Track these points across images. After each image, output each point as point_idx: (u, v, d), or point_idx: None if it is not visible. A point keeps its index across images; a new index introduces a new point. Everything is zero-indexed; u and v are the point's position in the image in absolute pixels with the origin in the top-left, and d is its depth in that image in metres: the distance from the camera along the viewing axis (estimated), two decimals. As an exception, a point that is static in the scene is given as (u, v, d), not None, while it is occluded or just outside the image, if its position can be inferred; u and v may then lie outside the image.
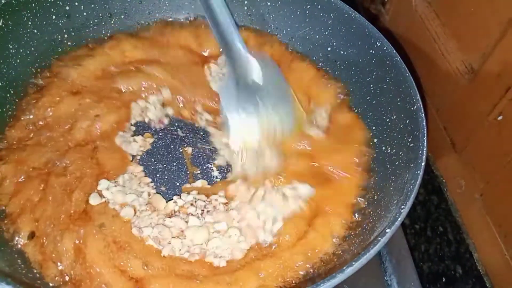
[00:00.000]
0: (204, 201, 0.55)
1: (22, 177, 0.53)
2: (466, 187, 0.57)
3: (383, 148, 0.58)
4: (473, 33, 0.54)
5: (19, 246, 0.49)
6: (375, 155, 0.58)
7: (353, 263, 0.42)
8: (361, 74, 0.63)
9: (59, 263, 0.48)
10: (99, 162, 0.57)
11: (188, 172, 0.59)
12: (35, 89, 0.61)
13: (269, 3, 0.69)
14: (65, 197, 0.52)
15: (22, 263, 0.48)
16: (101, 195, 0.54)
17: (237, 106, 0.59)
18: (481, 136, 0.54)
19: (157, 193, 0.56)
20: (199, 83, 0.65)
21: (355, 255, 0.44)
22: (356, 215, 0.54)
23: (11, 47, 0.59)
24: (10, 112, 0.58)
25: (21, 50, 0.60)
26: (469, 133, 0.55)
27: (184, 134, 0.63)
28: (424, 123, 0.53)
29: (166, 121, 0.64)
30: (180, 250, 0.51)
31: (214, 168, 0.60)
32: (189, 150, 0.61)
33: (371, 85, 0.61)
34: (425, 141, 0.51)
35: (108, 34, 0.68)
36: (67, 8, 0.64)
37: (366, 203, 0.55)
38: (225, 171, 0.60)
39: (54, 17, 0.63)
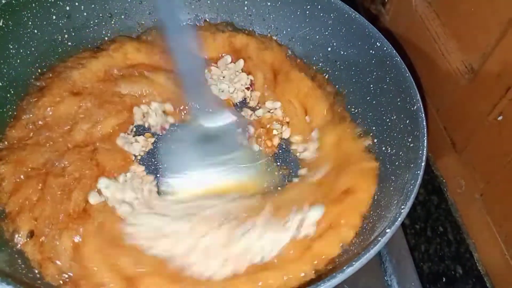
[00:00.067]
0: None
1: (22, 177, 0.53)
2: (466, 187, 0.57)
3: (383, 148, 0.58)
4: (473, 33, 0.54)
5: (19, 246, 0.49)
6: (375, 155, 0.58)
7: (353, 263, 0.42)
8: (361, 74, 0.63)
9: (58, 262, 0.48)
10: (99, 163, 0.57)
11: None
12: (36, 89, 0.61)
13: (269, 3, 0.69)
14: (64, 197, 0.53)
15: (22, 263, 0.48)
16: (100, 194, 0.54)
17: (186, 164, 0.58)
18: (481, 136, 0.54)
19: (157, 192, 0.56)
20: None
21: (355, 255, 0.44)
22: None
23: (11, 47, 0.59)
24: (10, 112, 0.58)
25: (21, 50, 0.60)
26: (469, 133, 0.55)
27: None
28: (424, 123, 0.53)
29: (167, 126, 0.64)
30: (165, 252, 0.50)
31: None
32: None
33: (371, 85, 0.61)
34: (425, 141, 0.51)
35: (109, 35, 0.68)
36: (68, 8, 0.64)
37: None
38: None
39: (54, 17, 0.63)
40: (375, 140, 0.59)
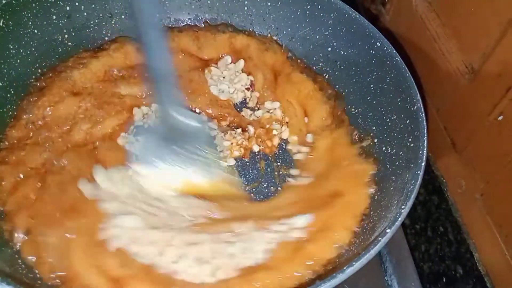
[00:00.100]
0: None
1: (21, 176, 0.53)
2: (466, 187, 0.57)
3: (383, 148, 0.58)
4: (473, 33, 0.54)
5: (18, 245, 0.49)
6: (375, 155, 0.58)
7: (354, 263, 0.42)
8: (361, 74, 0.63)
9: (50, 260, 0.48)
10: (99, 160, 0.57)
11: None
12: (36, 89, 0.61)
13: (269, 4, 0.69)
14: (60, 194, 0.52)
15: (22, 263, 0.48)
16: (93, 184, 0.54)
17: (155, 156, 0.57)
18: (481, 136, 0.54)
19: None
20: (201, 90, 0.66)
21: (356, 255, 0.44)
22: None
23: (11, 47, 0.59)
24: (10, 113, 0.58)
25: (21, 50, 0.60)
26: (470, 133, 0.55)
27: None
28: (425, 123, 0.53)
29: None
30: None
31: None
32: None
33: (372, 85, 0.61)
34: (425, 141, 0.51)
35: (109, 35, 0.68)
36: (68, 8, 0.64)
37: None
38: (225, 171, 0.60)
39: (54, 17, 0.63)
40: (375, 140, 0.59)
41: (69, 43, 0.65)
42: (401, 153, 0.54)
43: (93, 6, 0.66)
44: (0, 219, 0.51)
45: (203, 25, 0.72)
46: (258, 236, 0.51)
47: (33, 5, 0.60)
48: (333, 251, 0.50)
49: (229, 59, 0.69)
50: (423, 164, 0.49)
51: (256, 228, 0.52)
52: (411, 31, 0.66)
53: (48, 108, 0.59)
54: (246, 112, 0.66)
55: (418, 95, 0.54)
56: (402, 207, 0.46)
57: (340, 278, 0.41)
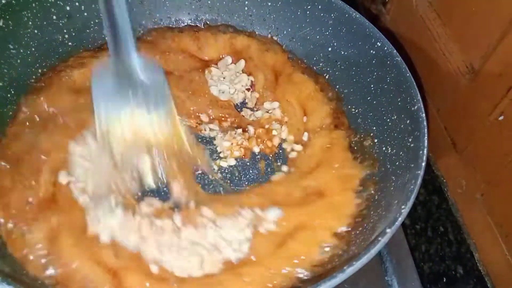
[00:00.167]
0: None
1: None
2: (467, 187, 0.57)
3: (384, 148, 0.58)
4: (474, 33, 0.54)
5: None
6: (375, 155, 0.58)
7: (354, 263, 0.42)
8: (362, 74, 0.63)
9: (43, 260, 0.48)
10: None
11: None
12: (36, 88, 0.61)
13: (269, 4, 0.69)
14: (33, 181, 0.52)
15: (21, 263, 0.48)
16: (69, 173, 0.54)
17: (109, 97, 0.54)
18: (482, 136, 0.54)
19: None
20: (201, 91, 0.65)
21: (356, 255, 0.44)
22: (356, 216, 0.54)
23: (11, 47, 0.59)
24: (10, 113, 0.58)
25: (21, 51, 0.60)
26: (470, 133, 0.55)
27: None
28: (425, 123, 0.52)
29: None
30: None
31: (215, 168, 0.60)
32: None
33: (372, 85, 0.61)
34: (426, 141, 0.51)
35: (109, 35, 0.68)
36: (68, 8, 0.64)
37: (366, 203, 0.55)
38: (226, 171, 0.60)
39: (54, 17, 0.63)
40: (375, 140, 0.59)
41: (69, 43, 0.65)
42: (401, 153, 0.54)
43: (93, 6, 0.66)
44: None
45: (203, 25, 0.72)
46: (230, 222, 0.52)
47: (33, 5, 0.60)
48: (318, 251, 0.51)
49: (229, 59, 0.69)
50: (423, 164, 0.49)
51: (222, 214, 0.53)
52: (411, 31, 0.66)
53: (45, 104, 0.58)
54: (246, 112, 0.66)
55: (419, 95, 0.54)
56: (402, 207, 0.46)
57: (340, 278, 0.41)
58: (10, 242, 0.49)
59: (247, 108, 0.66)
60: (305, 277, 0.49)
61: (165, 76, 0.56)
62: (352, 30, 0.63)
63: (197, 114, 0.64)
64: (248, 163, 0.61)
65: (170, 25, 0.71)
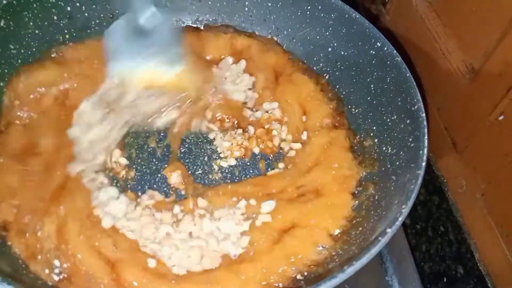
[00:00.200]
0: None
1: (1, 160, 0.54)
2: (467, 187, 0.57)
3: (384, 148, 0.58)
4: (474, 33, 0.54)
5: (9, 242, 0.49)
6: (375, 155, 0.58)
7: (354, 263, 0.42)
8: (362, 74, 0.63)
9: (39, 257, 0.48)
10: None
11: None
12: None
13: (269, 4, 0.69)
14: (45, 175, 0.53)
15: (22, 263, 0.48)
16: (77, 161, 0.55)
17: (123, 49, 0.56)
18: (482, 136, 0.54)
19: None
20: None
21: (356, 255, 0.44)
22: (356, 216, 0.54)
23: (12, 47, 0.59)
24: (11, 112, 0.59)
25: (22, 51, 0.60)
26: (470, 133, 0.55)
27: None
28: (425, 123, 0.53)
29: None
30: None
31: (216, 168, 0.60)
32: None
33: (372, 85, 0.61)
34: (426, 141, 0.51)
35: (110, 35, 0.68)
36: (69, 9, 0.64)
37: (366, 203, 0.55)
38: (226, 171, 0.60)
39: (55, 17, 0.63)
40: (376, 140, 0.59)
41: (70, 44, 0.65)
42: (401, 153, 0.54)
43: (94, 6, 0.66)
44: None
45: (203, 26, 0.72)
46: (226, 213, 0.53)
47: (34, 5, 0.60)
48: (315, 251, 0.51)
49: (230, 60, 0.69)
50: (423, 164, 0.49)
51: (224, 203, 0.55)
52: (411, 31, 0.66)
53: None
54: (246, 112, 0.66)
55: (419, 95, 0.54)
56: (403, 207, 0.46)
57: (340, 278, 0.42)
58: (18, 242, 0.49)
59: (247, 108, 0.67)
60: (301, 277, 0.49)
61: (179, 33, 0.59)
62: (352, 30, 0.63)
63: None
64: (248, 163, 0.61)
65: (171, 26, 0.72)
